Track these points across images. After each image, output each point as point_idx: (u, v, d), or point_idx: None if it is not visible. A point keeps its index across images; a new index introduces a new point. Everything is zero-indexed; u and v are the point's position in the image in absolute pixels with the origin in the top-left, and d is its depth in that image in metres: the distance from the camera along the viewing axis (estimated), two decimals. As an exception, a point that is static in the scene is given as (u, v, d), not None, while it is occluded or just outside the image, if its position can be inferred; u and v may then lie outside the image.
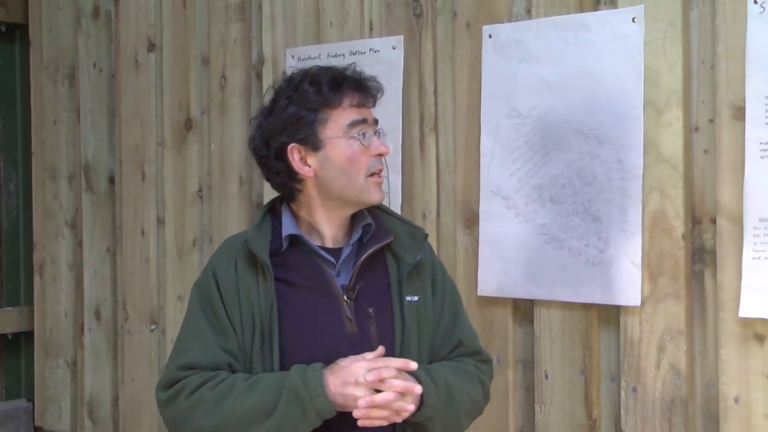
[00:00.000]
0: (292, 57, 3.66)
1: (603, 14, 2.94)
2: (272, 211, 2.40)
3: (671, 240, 2.80)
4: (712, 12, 2.75)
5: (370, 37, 3.49)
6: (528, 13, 3.12)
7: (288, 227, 2.32)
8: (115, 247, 4.40)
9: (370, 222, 2.35)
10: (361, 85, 2.31)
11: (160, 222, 4.20)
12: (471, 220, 3.23)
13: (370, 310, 2.29)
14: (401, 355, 2.28)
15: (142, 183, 4.26)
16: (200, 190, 4.06)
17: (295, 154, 2.28)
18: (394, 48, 3.41)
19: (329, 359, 2.22)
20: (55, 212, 4.68)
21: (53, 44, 4.68)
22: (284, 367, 2.24)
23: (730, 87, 2.70)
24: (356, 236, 2.34)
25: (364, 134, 2.27)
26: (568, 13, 3.01)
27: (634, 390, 2.88)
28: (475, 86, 3.20)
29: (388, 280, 2.35)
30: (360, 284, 2.30)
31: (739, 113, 2.68)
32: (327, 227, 2.33)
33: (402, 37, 3.40)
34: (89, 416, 4.52)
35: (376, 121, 2.33)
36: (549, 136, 3.03)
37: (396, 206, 3.36)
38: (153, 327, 4.22)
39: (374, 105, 2.34)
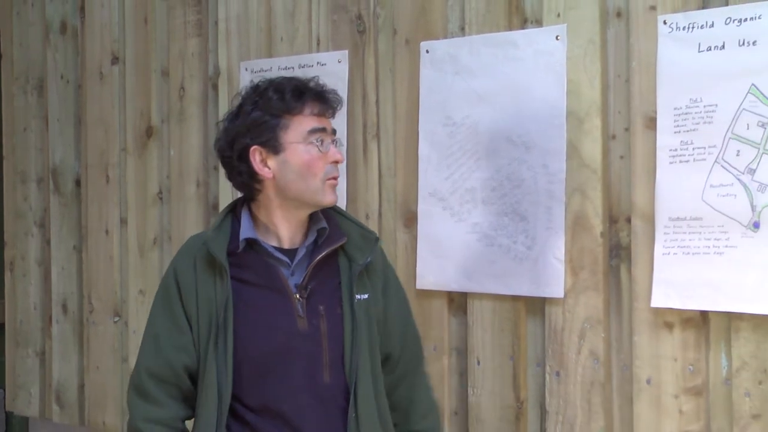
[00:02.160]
0: (246, 69, 3.64)
1: (529, 32, 2.95)
2: (233, 211, 2.36)
3: (591, 237, 2.83)
4: (626, 31, 2.78)
5: (318, 51, 3.48)
6: (462, 31, 3.13)
7: (245, 231, 2.28)
8: (81, 245, 4.34)
9: (324, 226, 2.31)
10: (322, 96, 2.28)
11: (123, 222, 4.16)
12: (410, 220, 3.23)
13: (321, 308, 2.26)
14: (352, 350, 2.27)
15: (106, 185, 4.22)
16: (160, 192, 4.03)
17: (256, 155, 2.25)
18: (339, 62, 3.40)
19: (282, 353, 2.22)
20: (25, 213, 4.61)
21: (23, 57, 4.61)
22: (237, 361, 2.22)
23: (643, 99, 2.73)
24: (311, 239, 2.31)
25: (322, 141, 2.24)
26: (498, 31, 3.02)
27: (558, 374, 2.90)
28: (414, 97, 3.20)
29: (340, 279, 2.31)
30: (313, 283, 2.27)
31: (651, 123, 2.71)
32: (284, 228, 2.30)
33: (347, 51, 3.39)
34: (57, 402, 4.46)
35: (334, 131, 2.30)
36: (481, 143, 3.04)
37: (341, 207, 3.35)
38: (116, 319, 4.18)
39: (333, 116, 2.32)
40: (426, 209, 3.16)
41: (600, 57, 2.82)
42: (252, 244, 2.29)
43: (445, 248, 3.12)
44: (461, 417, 3.14)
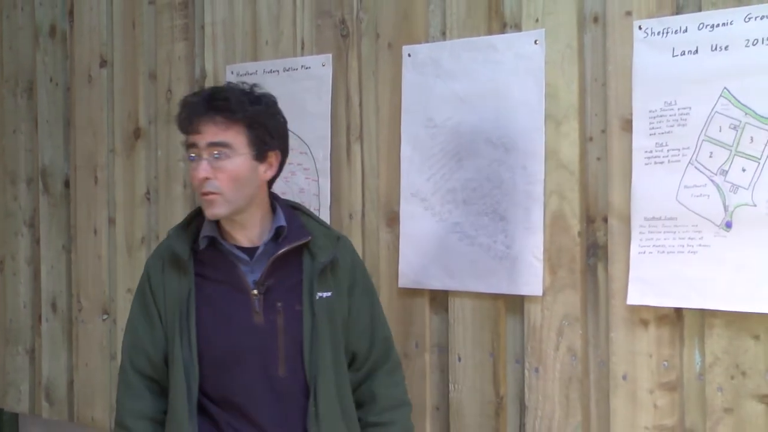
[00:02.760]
0: (232, 73, 3.63)
1: (509, 37, 2.96)
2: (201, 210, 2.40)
3: (569, 237, 2.83)
4: (603, 36, 2.79)
5: (302, 55, 3.48)
6: (443, 35, 3.13)
7: (206, 229, 2.33)
8: (70, 245, 4.33)
9: (282, 224, 2.34)
10: (193, 111, 2.27)
11: (111, 221, 4.15)
12: (392, 220, 3.23)
13: (279, 304, 2.29)
14: (312, 346, 2.30)
15: (94, 186, 4.20)
16: (148, 192, 4.02)
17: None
18: (323, 65, 3.40)
19: (238, 346, 2.27)
20: (15, 213, 4.59)
21: (13, 60, 4.59)
22: (200, 352, 2.28)
23: (619, 102, 2.74)
24: (267, 237, 2.33)
25: (194, 157, 2.26)
26: (478, 36, 3.02)
27: (537, 370, 2.91)
28: (396, 100, 3.20)
29: (302, 276, 2.34)
30: (271, 280, 2.30)
31: (627, 125, 2.72)
32: (234, 228, 2.34)
33: (331, 55, 3.39)
34: (46, 398, 4.45)
35: (214, 144, 2.24)
36: (461, 144, 3.04)
37: (325, 207, 3.36)
38: (105, 317, 4.17)
39: (223, 126, 2.25)
40: (408, 209, 3.16)
41: (577, 61, 2.82)
42: (215, 242, 2.33)
43: (426, 247, 3.12)
44: (443, 412, 3.14)
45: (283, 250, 2.31)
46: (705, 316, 2.60)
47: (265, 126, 2.31)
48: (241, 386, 2.28)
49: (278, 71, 3.47)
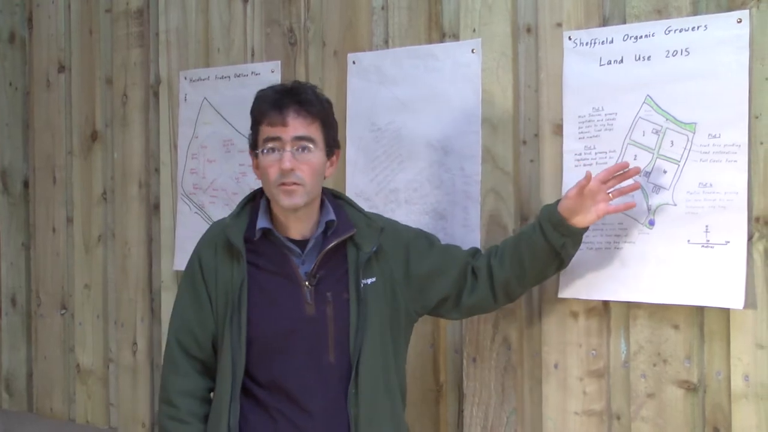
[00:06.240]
0: (185, 78, 3.60)
1: (447, 45, 2.97)
2: (254, 200, 2.40)
3: (504, 234, 2.82)
4: (536, 46, 2.80)
5: (252, 61, 3.46)
6: (386, 44, 3.13)
7: (261, 221, 2.32)
8: (30, 242, 4.27)
9: (332, 218, 2.34)
10: (279, 104, 2.27)
11: (69, 220, 4.10)
12: (338, 218, 3.22)
13: (329, 294, 2.29)
14: (358, 333, 2.29)
15: (53, 186, 4.15)
16: (104, 192, 3.97)
17: (252, 159, 2.35)
18: (272, 71, 3.38)
19: (288, 335, 2.27)
20: (-25, 212, 4.54)
21: (-27, 65, 4.54)
22: (250, 339, 2.27)
23: (551, 108, 2.76)
24: (319, 231, 2.33)
25: (273, 150, 2.25)
26: (419, 44, 3.03)
27: (474, 360, 2.91)
28: (342, 104, 3.19)
29: (347, 266, 2.33)
30: (322, 272, 2.29)
31: (558, 129, 2.74)
32: (288, 220, 2.33)
33: (279, 62, 3.37)
34: (6, 390, 4.38)
35: (300, 138, 2.27)
36: (403, 147, 3.04)
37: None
38: (63, 311, 4.12)
39: (310, 120, 2.29)
40: (353, 208, 3.16)
41: (512, 69, 2.83)
42: (267, 233, 2.32)
43: (370, 244, 3.11)
44: (386, 400, 3.14)
45: (332, 243, 2.31)
46: (630, 307, 2.62)
47: (333, 126, 2.39)
48: (292, 373, 2.27)
49: (229, 77, 3.45)
